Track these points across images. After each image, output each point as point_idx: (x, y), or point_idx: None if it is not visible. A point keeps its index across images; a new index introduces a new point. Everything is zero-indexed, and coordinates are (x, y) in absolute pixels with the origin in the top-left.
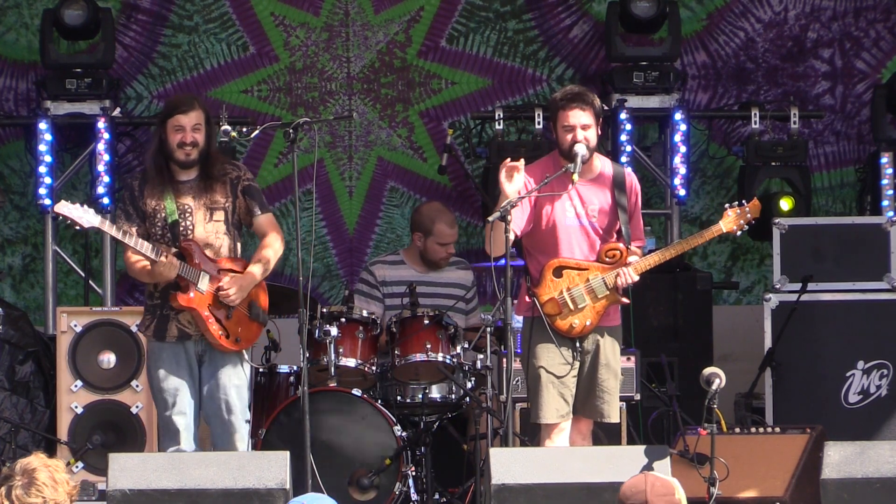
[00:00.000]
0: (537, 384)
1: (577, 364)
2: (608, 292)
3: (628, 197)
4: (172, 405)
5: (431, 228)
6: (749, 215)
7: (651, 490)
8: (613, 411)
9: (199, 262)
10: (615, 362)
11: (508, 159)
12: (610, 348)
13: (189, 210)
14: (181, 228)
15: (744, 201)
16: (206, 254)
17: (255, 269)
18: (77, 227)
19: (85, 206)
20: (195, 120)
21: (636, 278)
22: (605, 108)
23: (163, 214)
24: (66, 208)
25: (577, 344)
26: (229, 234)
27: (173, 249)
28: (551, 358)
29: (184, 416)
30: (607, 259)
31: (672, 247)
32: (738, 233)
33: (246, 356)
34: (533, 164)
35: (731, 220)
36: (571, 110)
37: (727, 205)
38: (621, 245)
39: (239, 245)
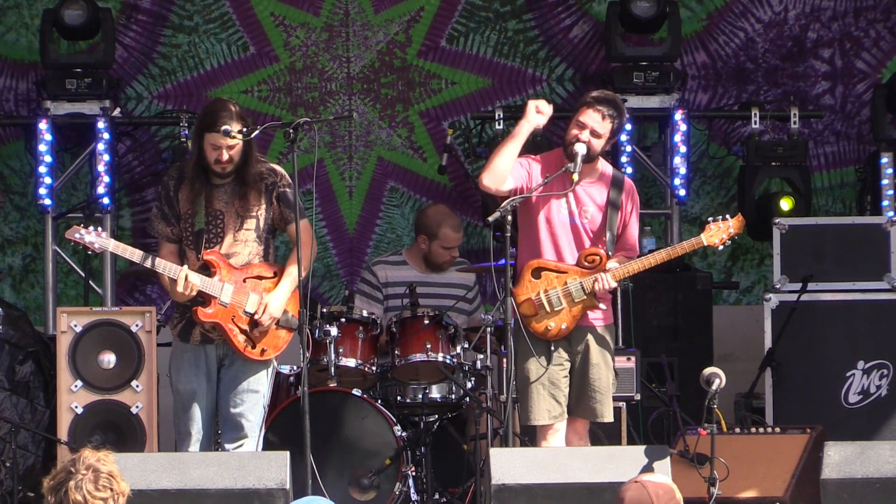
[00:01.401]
0: (526, 386)
1: (566, 365)
2: (585, 297)
3: (623, 204)
4: (188, 408)
5: (437, 232)
6: (732, 230)
7: (657, 499)
8: (607, 411)
9: (222, 275)
10: (607, 362)
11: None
12: (600, 347)
13: (220, 216)
14: (210, 235)
15: (728, 216)
16: (230, 263)
17: (285, 284)
18: (90, 252)
19: (99, 229)
20: (230, 140)
21: (614, 285)
22: None
23: (193, 220)
24: (77, 234)
25: (553, 346)
26: (259, 241)
27: (198, 262)
28: (536, 359)
29: (196, 422)
30: (587, 263)
31: (653, 255)
32: (721, 247)
33: (275, 363)
34: (544, 154)
35: (713, 234)
36: (594, 111)
37: (710, 218)
38: (602, 250)
39: (271, 251)
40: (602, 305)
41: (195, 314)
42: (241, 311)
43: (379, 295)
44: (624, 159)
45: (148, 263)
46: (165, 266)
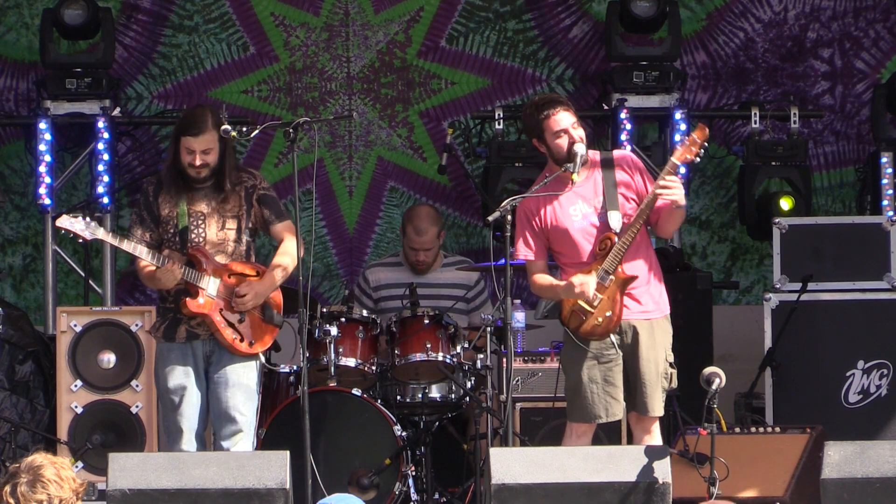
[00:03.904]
0: (581, 385)
1: (619, 362)
2: (612, 277)
3: (631, 176)
4: (177, 405)
5: (405, 229)
6: (698, 140)
7: None
8: (654, 403)
9: (207, 268)
10: (657, 355)
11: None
12: (650, 341)
13: (202, 217)
14: (192, 235)
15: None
16: (216, 259)
17: (273, 275)
18: (80, 241)
19: (88, 219)
20: (205, 144)
21: (671, 181)
22: (606, 107)
23: (175, 221)
24: (67, 222)
25: (611, 339)
26: (241, 241)
27: (179, 263)
28: (591, 360)
29: (187, 418)
30: (600, 251)
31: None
32: (697, 159)
33: (261, 358)
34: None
35: (681, 154)
36: (556, 115)
37: (676, 143)
38: (611, 235)
39: (252, 252)
40: (632, 274)
41: (184, 306)
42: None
43: (368, 302)
44: None
45: (134, 252)
46: (151, 254)
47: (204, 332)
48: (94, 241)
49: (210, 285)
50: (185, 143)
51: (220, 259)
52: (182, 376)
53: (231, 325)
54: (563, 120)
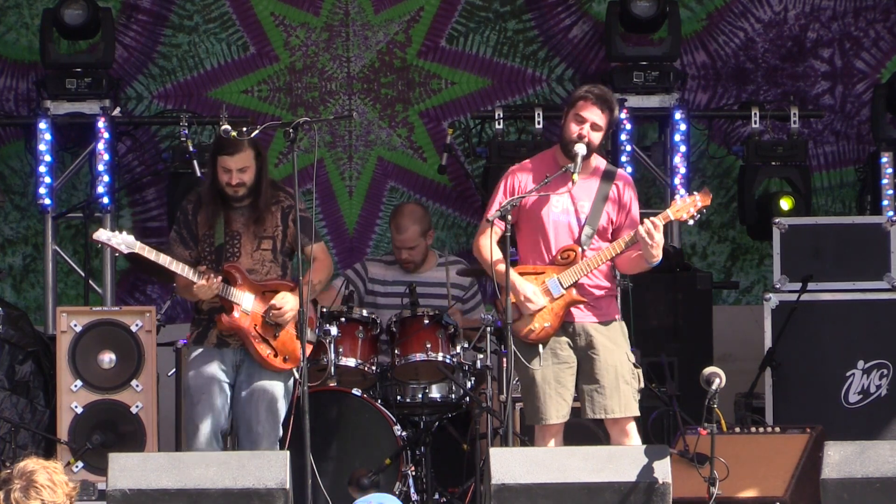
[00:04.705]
0: (533, 387)
1: (573, 364)
2: (564, 291)
3: (620, 197)
4: (196, 404)
5: (391, 226)
6: (699, 204)
7: None
8: (612, 404)
9: (242, 284)
10: (614, 356)
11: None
12: (605, 343)
13: (237, 237)
14: (228, 254)
15: (695, 192)
16: (250, 276)
17: (305, 290)
18: (117, 254)
19: (125, 233)
20: (241, 163)
21: (660, 223)
22: None
23: (212, 238)
24: (104, 235)
25: (542, 346)
26: (276, 261)
27: (219, 276)
28: (539, 361)
29: (207, 417)
30: (561, 259)
31: (621, 238)
32: (691, 222)
33: (296, 374)
34: (530, 160)
35: (679, 209)
36: (588, 106)
37: (678, 195)
38: (576, 248)
39: (289, 271)
40: (582, 298)
41: (219, 321)
42: (264, 314)
43: (361, 285)
44: (624, 159)
45: (171, 266)
46: (188, 270)
47: (235, 342)
48: (108, 246)
49: (245, 300)
50: (221, 162)
51: (255, 277)
52: (209, 377)
53: (265, 340)
54: (592, 113)
